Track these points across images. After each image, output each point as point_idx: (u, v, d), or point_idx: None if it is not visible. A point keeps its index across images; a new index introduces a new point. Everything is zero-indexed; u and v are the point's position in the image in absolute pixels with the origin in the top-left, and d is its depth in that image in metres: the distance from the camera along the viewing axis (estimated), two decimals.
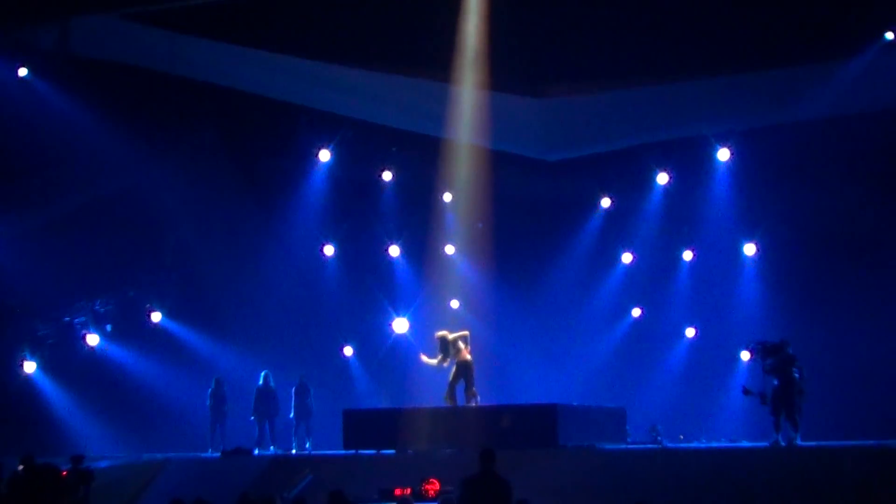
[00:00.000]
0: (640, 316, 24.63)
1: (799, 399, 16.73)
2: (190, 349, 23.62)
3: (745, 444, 18.84)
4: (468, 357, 18.21)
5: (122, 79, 20.75)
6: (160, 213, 23.06)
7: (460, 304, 24.90)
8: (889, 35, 19.52)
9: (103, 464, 18.11)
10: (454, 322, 22.14)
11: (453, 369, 18.29)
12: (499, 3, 19.67)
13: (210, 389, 21.77)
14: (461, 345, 18.25)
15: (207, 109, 22.27)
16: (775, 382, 16.76)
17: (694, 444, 19.78)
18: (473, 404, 18.23)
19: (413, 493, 14.25)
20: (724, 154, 22.94)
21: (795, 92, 20.64)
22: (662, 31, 19.29)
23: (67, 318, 23.05)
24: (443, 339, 18.33)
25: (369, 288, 24.97)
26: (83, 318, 23.05)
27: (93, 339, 22.94)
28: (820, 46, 19.28)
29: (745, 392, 17.24)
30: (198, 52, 20.57)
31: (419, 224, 24.72)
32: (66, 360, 22.75)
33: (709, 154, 23.05)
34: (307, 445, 21.48)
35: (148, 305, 23.67)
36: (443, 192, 24.81)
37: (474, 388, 18.33)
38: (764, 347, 16.90)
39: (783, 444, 16.49)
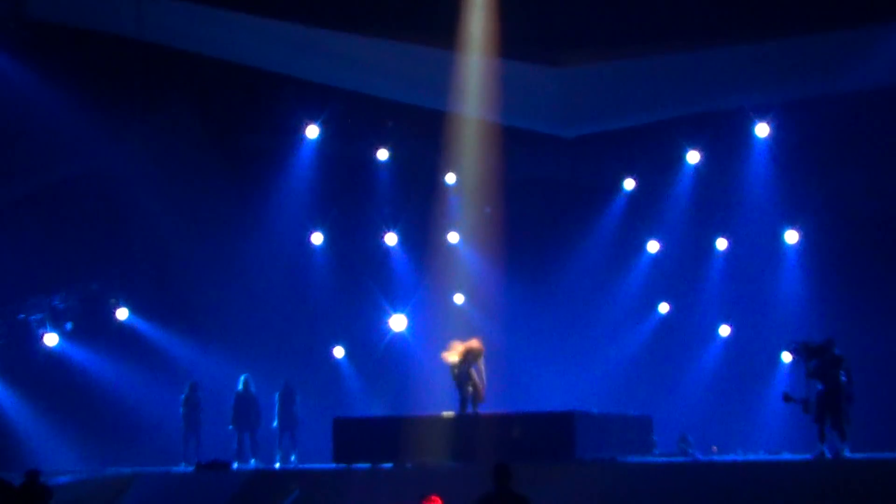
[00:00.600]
0: (668, 312, 24.62)
1: (846, 406, 16.73)
2: (161, 350, 23.67)
3: (787, 456, 18.84)
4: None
5: (83, 46, 20.77)
6: (127, 196, 23.09)
7: (465, 300, 24.92)
8: None
9: (63, 479, 18.13)
10: (457, 319, 22.18)
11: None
12: None
13: (183, 395, 21.79)
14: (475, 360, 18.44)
15: (180, 80, 22.32)
16: (820, 387, 16.77)
17: (729, 457, 19.76)
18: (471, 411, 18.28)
19: None
20: (763, 129, 22.91)
21: (844, 58, 20.55)
22: None
23: (22, 316, 23.07)
24: (477, 352, 18.40)
25: (363, 281, 25.00)
26: (40, 316, 23.08)
27: (51, 339, 22.94)
28: (872, 5, 19.17)
29: (786, 398, 17.26)
30: (169, 15, 20.55)
31: (419, 209, 24.71)
32: (20, 363, 22.78)
33: (746, 129, 23.03)
34: (292, 458, 21.52)
35: (113, 301, 23.70)
36: (446, 173, 24.79)
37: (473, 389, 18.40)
38: (807, 348, 16.92)
39: (829, 456, 16.50)
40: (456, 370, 18.48)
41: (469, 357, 18.49)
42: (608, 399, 22.65)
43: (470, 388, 18.38)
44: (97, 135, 22.03)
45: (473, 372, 18.48)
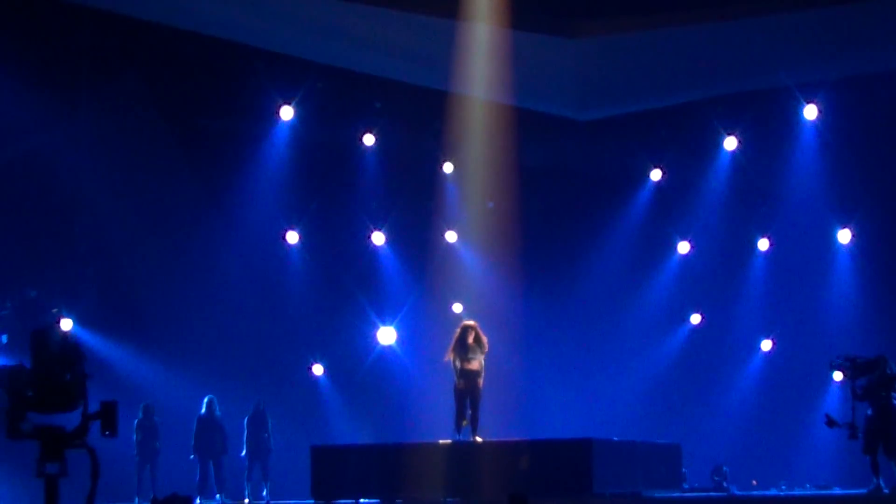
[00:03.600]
0: (700, 324, 24.94)
1: None
2: (110, 367, 23.65)
3: (838, 491, 19.18)
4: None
5: (18, 10, 20.81)
6: (71, 187, 22.98)
7: (464, 309, 25.02)
8: None
9: None
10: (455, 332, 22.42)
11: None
12: None
13: (137, 420, 21.99)
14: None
15: (133, 52, 22.33)
16: (869, 410, 16.86)
17: (771, 492, 20.09)
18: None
19: None
20: (811, 111, 23.23)
21: None
22: None
23: None
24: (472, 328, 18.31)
25: (345, 287, 25.14)
26: None
27: None
28: None
29: (829, 422, 17.22)
30: None
31: (411, 203, 24.97)
32: None
33: (791, 111, 23.36)
34: (264, 493, 21.82)
35: (55, 310, 23.78)
36: (443, 162, 25.11)
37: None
38: (854, 364, 16.94)
39: (886, 490, 16.65)
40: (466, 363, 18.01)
41: (477, 342, 18.06)
42: (631, 424, 22.91)
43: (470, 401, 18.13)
44: (36, 114, 21.90)
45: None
